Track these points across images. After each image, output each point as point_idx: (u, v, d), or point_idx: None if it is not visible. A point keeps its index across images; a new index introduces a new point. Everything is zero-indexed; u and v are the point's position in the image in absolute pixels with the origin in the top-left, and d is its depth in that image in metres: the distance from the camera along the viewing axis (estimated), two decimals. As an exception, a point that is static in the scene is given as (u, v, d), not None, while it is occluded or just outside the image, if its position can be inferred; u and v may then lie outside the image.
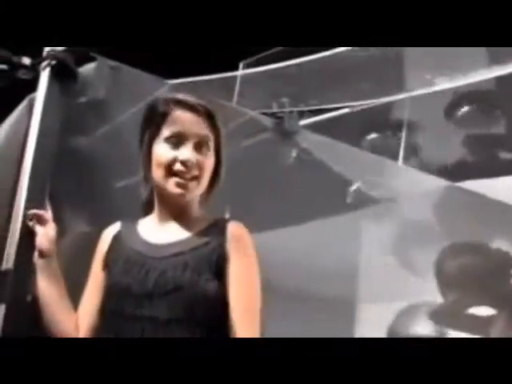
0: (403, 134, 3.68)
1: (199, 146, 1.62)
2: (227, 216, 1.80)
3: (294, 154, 2.50)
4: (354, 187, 2.73)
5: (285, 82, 3.77)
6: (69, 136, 1.90)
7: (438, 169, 3.57)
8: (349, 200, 2.82)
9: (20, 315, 1.66)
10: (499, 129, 3.83)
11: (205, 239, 1.61)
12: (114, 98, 1.96)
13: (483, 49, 3.25)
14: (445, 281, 2.81)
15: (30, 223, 1.69)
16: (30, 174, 1.74)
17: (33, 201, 1.71)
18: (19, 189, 1.74)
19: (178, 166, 1.60)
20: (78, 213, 2.00)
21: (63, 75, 1.82)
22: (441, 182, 2.83)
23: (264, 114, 2.76)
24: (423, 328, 2.96)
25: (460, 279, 2.80)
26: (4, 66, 1.82)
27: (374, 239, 2.98)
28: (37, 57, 1.82)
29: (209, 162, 1.64)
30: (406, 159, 3.58)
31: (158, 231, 1.66)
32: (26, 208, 1.71)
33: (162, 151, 1.62)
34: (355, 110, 3.40)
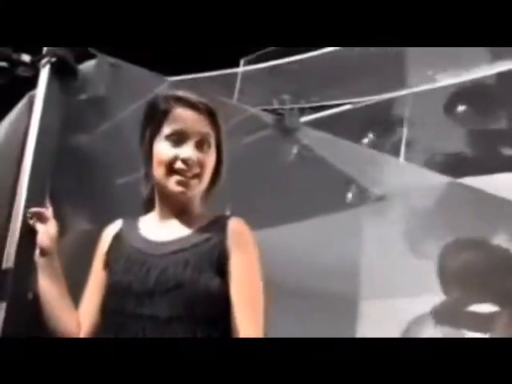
0: (404, 131, 3.68)
1: (200, 144, 1.62)
2: (228, 213, 1.79)
3: (294, 150, 2.50)
4: (354, 184, 2.73)
5: (285, 79, 3.76)
6: (69, 133, 1.90)
7: (439, 165, 3.57)
8: (350, 197, 2.82)
9: (21, 313, 1.66)
10: (500, 125, 3.83)
11: (205, 236, 1.60)
12: (114, 95, 1.95)
13: (484, 45, 3.24)
14: (447, 278, 2.80)
15: (31, 221, 1.69)
16: (30, 172, 1.74)
17: (33, 199, 1.71)
18: (19, 187, 1.74)
19: (179, 164, 1.60)
20: (79, 211, 2.00)
21: (63, 72, 1.82)
22: (442, 179, 2.83)
23: (265, 110, 2.75)
24: (425, 325, 2.96)
25: (462, 276, 2.80)
26: (4, 64, 1.81)
27: (375, 236, 2.98)
28: (37, 54, 1.82)
29: (210, 159, 1.64)
30: (408, 156, 3.57)
31: (158, 229, 1.65)
32: (27, 207, 1.70)
33: (163, 149, 1.62)
34: (356, 106, 3.40)
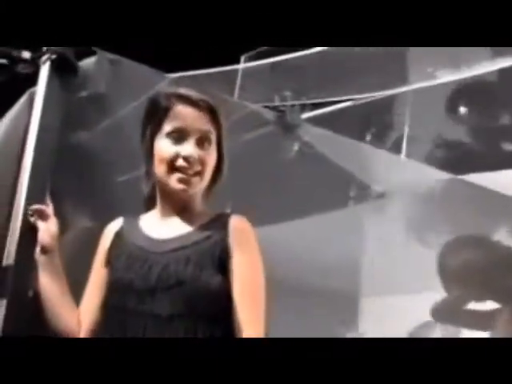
0: (406, 127, 3.67)
1: (201, 142, 1.62)
2: (229, 210, 1.79)
3: (295, 147, 2.50)
4: (355, 181, 2.73)
5: (287, 76, 3.76)
6: (69, 131, 1.90)
7: (440, 162, 3.56)
8: (351, 194, 2.82)
9: (21, 311, 1.66)
10: (501, 121, 3.82)
11: (207, 233, 1.60)
12: (114, 91, 1.95)
13: (485, 41, 3.23)
14: (448, 275, 2.80)
15: (32, 219, 1.69)
16: (30, 169, 1.73)
17: (33, 197, 1.71)
18: (19, 185, 1.74)
19: (180, 162, 1.59)
20: (80, 208, 2.00)
21: (63, 69, 1.82)
22: (443, 175, 2.82)
23: (266, 107, 2.75)
24: (426, 324, 2.96)
25: (463, 273, 2.79)
26: (4, 61, 1.81)
27: (376, 233, 2.98)
28: (37, 51, 1.81)
29: (211, 157, 1.63)
30: (409, 152, 3.57)
31: (160, 226, 1.65)
32: (27, 204, 1.70)
33: (164, 147, 1.61)
34: (357, 103, 3.39)
